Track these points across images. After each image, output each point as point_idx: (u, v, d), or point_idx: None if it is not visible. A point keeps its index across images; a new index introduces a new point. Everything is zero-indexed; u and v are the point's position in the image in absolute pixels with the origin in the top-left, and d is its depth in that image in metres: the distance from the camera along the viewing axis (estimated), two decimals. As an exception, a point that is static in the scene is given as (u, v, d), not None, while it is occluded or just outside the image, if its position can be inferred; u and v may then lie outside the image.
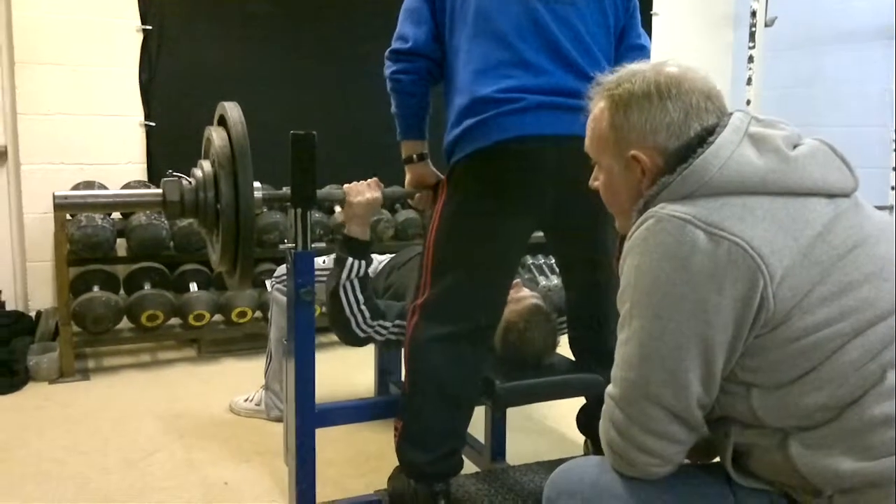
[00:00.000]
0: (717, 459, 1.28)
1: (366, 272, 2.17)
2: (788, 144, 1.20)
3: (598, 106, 1.31)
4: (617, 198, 1.33)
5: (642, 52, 2.11)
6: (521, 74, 1.90)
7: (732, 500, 1.23)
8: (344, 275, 2.13)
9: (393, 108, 2.10)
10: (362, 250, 2.15)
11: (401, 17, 2.09)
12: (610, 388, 1.24)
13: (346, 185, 2.14)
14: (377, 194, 2.14)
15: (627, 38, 2.11)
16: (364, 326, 2.19)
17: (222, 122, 1.86)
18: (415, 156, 2.14)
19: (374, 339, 2.24)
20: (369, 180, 2.16)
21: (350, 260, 2.13)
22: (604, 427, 1.25)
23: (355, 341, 2.23)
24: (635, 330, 1.18)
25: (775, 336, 1.12)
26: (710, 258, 1.11)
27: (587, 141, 1.36)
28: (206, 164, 1.84)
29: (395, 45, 2.06)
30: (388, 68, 2.06)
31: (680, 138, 1.22)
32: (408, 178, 2.19)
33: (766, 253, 1.10)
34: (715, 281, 1.11)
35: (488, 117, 1.89)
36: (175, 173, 1.89)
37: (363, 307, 2.17)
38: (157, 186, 3.80)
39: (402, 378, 2.05)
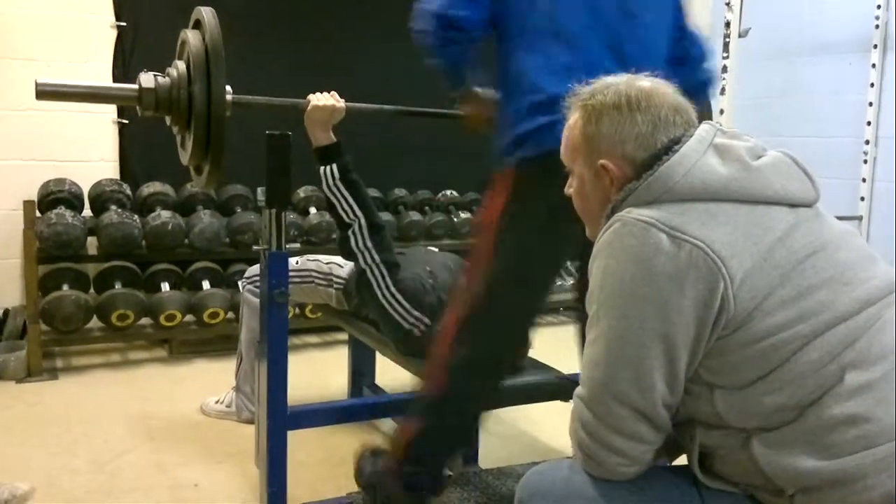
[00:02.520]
0: (685, 461, 1.30)
1: (346, 177, 2.25)
2: (752, 155, 1.25)
3: (573, 116, 1.37)
4: (587, 205, 1.38)
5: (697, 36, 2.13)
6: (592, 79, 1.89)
7: (700, 502, 1.25)
8: (323, 185, 2.26)
9: (433, 62, 2.02)
10: (330, 154, 2.25)
11: None
12: (579, 389, 1.27)
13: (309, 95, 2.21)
14: (340, 104, 2.20)
15: (685, 26, 2.10)
16: (360, 239, 2.27)
17: (197, 25, 1.92)
18: (463, 95, 2.14)
19: (358, 262, 2.29)
20: (331, 92, 2.23)
21: (322, 169, 2.24)
22: (573, 427, 1.28)
23: (346, 250, 2.31)
24: (602, 330, 1.22)
25: (736, 338, 1.15)
26: (672, 260, 1.15)
27: (562, 149, 1.41)
28: (181, 65, 1.90)
29: (440, 7, 1.90)
30: (430, 35, 1.94)
31: (647, 149, 1.27)
32: (463, 108, 2.19)
33: (725, 255, 1.14)
34: (676, 282, 1.15)
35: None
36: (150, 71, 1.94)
37: (358, 212, 2.26)
38: (129, 184, 3.84)
39: (427, 378, 2.00)
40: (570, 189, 1.41)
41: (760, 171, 1.22)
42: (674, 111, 1.29)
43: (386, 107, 2.35)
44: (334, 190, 2.25)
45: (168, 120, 1.96)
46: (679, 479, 1.29)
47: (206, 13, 1.88)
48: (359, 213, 2.25)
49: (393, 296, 2.25)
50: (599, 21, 1.88)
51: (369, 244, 2.26)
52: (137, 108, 1.89)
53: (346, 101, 2.23)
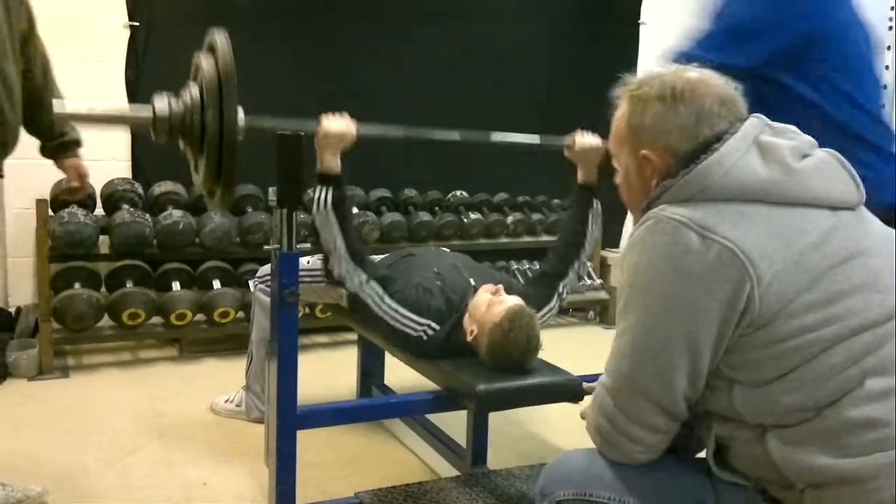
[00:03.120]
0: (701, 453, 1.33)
1: (337, 207, 2.22)
2: (796, 155, 1.24)
3: (621, 106, 1.37)
4: (631, 194, 1.39)
5: None
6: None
7: (711, 491, 1.27)
8: (313, 206, 2.23)
9: None
10: (330, 182, 2.22)
11: (719, 20, 2.02)
12: (603, 377, 1.30)
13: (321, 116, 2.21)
14: (352, 128, 2.20)
15: None
16: (343, 264, 2.24)
17: (211, 49, 1.94)
18: None
19: (346, 286, 2.28)
20: (343, 113, 2.23)
21: (317, 189, 2.22)
22: (592, 413, 1.31)
23: (332, 276, 2.28)
24: (630, 324, 1.24)
25: (759, 337, 1.16)
26: (701, 260, 1.16)
27: (610, 138, 1.42)
28: (194, 89, 1.92)
29: (692, 53, 1.91)
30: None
31: (690, 141, 1.27)
32: None
33: (755, 257, 1.14)
34: (704, 282, 1.16)
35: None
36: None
37: (339, 241, 2.23)
38: (141, 183, 3.85)
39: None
40: (617, 179, 1.42)
41: (802, 174, 1.22)
42: (720, 103, 1.28)
43: (395, 128, 2.36)
44: (322, 213, 2.23)
45: (181, 144, 1.97)
46: (693, 468, 1.31)
47: (220, 38, 1.89)
48: (339, 242, 2.24)
49: (393, 309, 2.25)
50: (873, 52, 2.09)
51: (351, 268, 2.26)
52: (151, 133, 1.91)
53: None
